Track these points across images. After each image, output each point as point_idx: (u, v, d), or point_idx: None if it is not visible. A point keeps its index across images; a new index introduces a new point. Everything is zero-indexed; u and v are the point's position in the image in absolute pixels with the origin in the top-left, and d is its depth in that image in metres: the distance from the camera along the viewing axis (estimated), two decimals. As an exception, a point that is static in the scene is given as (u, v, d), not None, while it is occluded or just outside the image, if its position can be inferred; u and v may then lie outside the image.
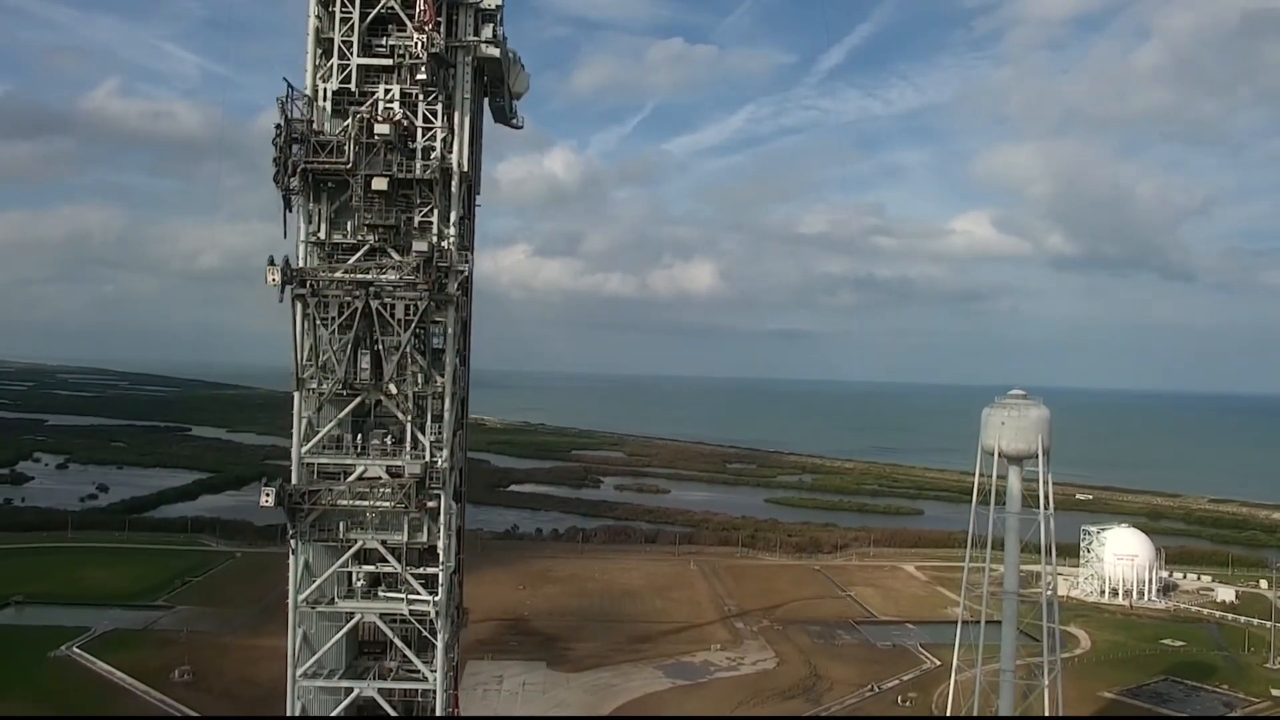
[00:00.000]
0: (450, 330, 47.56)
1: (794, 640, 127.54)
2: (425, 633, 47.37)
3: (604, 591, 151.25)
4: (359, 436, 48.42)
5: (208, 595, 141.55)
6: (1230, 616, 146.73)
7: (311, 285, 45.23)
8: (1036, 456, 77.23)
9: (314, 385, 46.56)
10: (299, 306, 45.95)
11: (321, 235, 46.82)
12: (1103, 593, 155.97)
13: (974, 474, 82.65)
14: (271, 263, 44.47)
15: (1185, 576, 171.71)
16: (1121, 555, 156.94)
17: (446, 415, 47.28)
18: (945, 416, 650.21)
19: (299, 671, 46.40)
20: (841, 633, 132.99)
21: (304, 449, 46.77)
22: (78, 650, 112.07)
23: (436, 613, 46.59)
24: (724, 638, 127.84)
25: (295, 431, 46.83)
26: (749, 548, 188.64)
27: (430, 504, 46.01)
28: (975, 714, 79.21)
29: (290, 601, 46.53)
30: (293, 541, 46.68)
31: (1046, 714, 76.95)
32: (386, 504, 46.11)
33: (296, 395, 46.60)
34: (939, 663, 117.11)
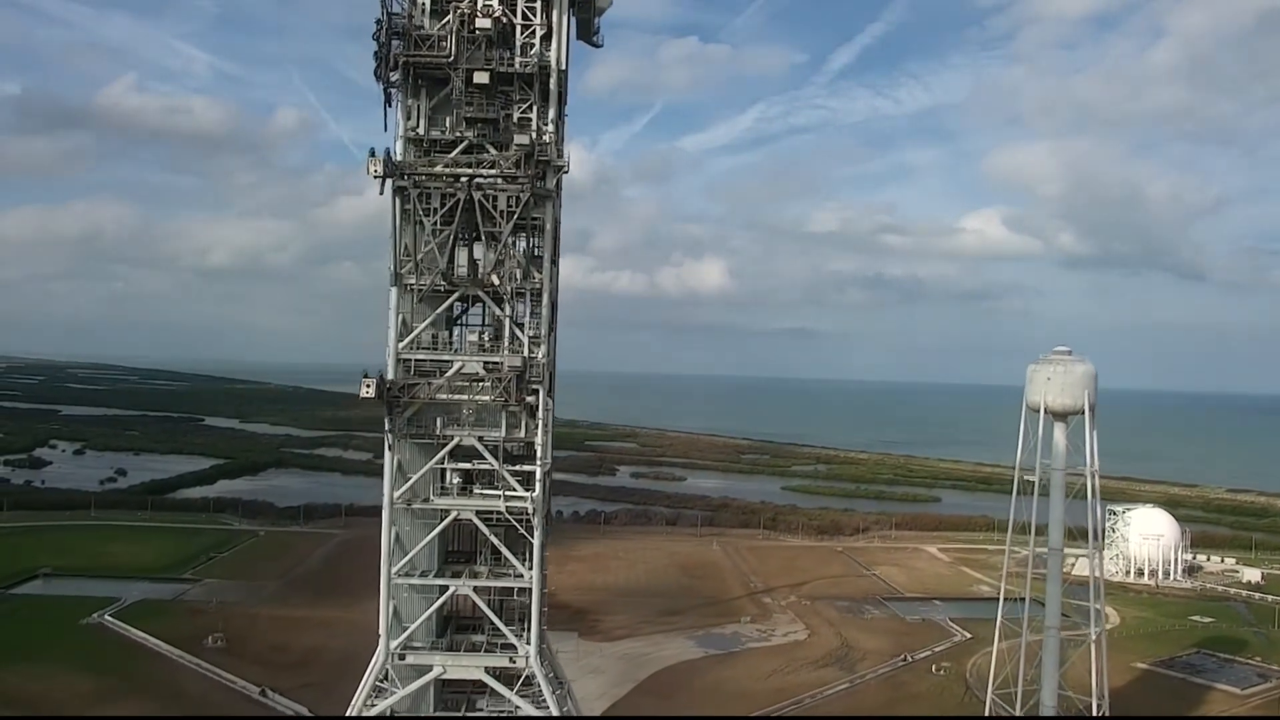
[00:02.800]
0: (548, 226, 47.64)
1: (822, 614, 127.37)
2: (521, 530, 47.42)
3: (628, 569, 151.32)
4: (452, 335, 48.67)
5: (234, 570, 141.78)
6: (1257, 595, 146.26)
7: (413, 178, 45.32)
8: (1083, 413, 76.79)
9: (411, 281, 46.59)
10: (398, 201, 45.96)
11: (420, 131, 46.83)
12: (1128, 573, 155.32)
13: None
14: (372, 155, 44.49)
15: (1209, 559, 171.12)
16: (1147, 535, 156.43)
17: (544, 310, 47.31)
18: (956, 414, 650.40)
19: (394, 570, 46.49)
20: (870, 608, 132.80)
21: (401, 344, 46.74)
22: (109, 618, 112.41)
23: (533, 510, 46.60)
24: (753, 611, 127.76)
25: (391, 328, 46.86)
26: (770, 530, 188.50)
27: (529, 399, 46.13)
28: (1020, 676, 78.46)
29: (385, 499, 46.53)
30: (388, 438, 46.71)
31: (1093, 673, 76.37)
32: (486, 398, 46.19)
33: (393, 291, 46.68)
34: (970, 635, 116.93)
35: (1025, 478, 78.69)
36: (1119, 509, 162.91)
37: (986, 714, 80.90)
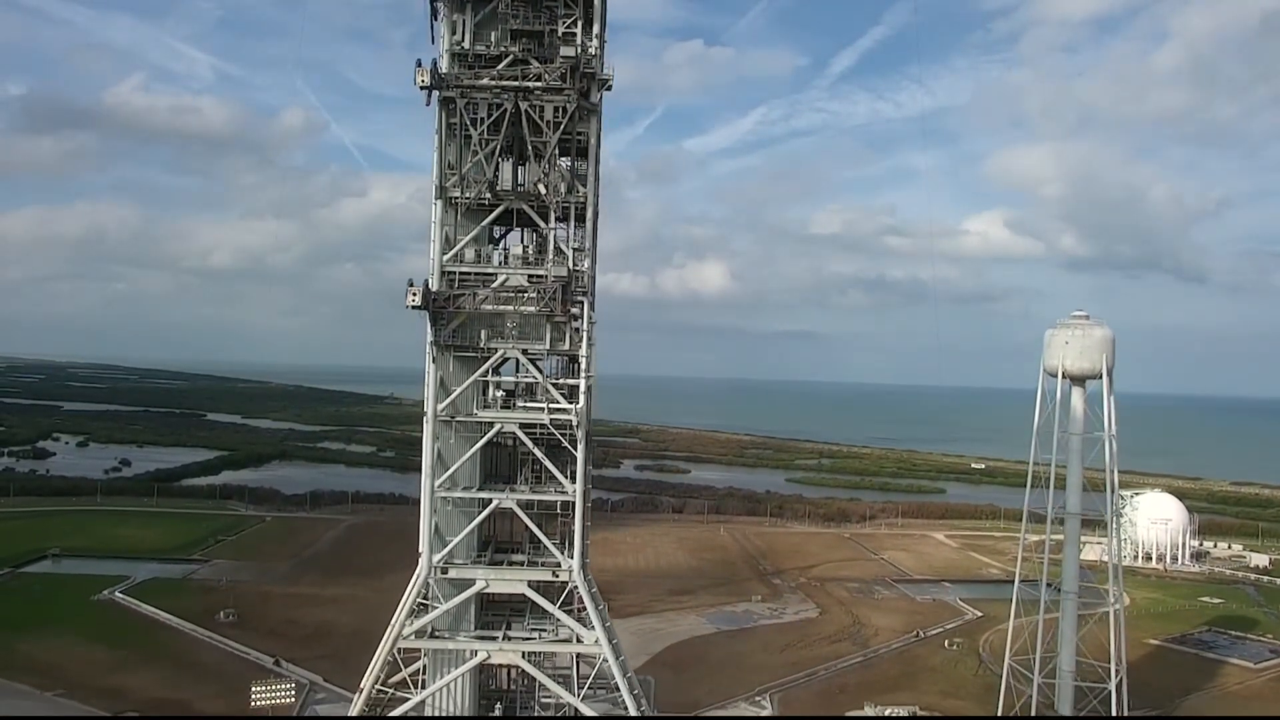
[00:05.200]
0: (592, 141, 47.79)
1: (833, 594, 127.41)
2: (565, 444, 47.43)
3: (637, 552, 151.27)
4: (494, 251, 48.79)
5: (242, 551, 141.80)
6: (1266, 579, 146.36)
7: (460, 89, 45.47)
8: (1100, 377, 76.75)
9: (455, 194, 46.64)
10: (444, 114, 46.09)
11: (465, 45, 47.13)
12: (1135, 557, 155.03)
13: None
14: (419, 65, 44.82)
15: (1216, 545, 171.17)
16: (1155, 519, 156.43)
17: (588, 224, 47.44)
18: (958, 414, 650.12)
19: (436, 483, 46.40)
20: (880, 588, 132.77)
21: (445, 258, 46.79)
22: (120, 594, 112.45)
23: (577, 422, 46.65)
24: (763, 591, 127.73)
25: (434, 241, 46.94)
26: (777, 517, 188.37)
27: (574, 309, 46.22)
28: (1040, 641, 78.16)
29: (428, 413, 46.50)
30: (432, 350, 46.70)
31: (1111, 637, 76.23)
32: (531, 308, 46.25)
33: (436, 205, 46.83)
34: (981, 614, 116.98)
35: (1041, 467, 78.49)
36: (1127, 494, 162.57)
37: (1004, 682, 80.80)
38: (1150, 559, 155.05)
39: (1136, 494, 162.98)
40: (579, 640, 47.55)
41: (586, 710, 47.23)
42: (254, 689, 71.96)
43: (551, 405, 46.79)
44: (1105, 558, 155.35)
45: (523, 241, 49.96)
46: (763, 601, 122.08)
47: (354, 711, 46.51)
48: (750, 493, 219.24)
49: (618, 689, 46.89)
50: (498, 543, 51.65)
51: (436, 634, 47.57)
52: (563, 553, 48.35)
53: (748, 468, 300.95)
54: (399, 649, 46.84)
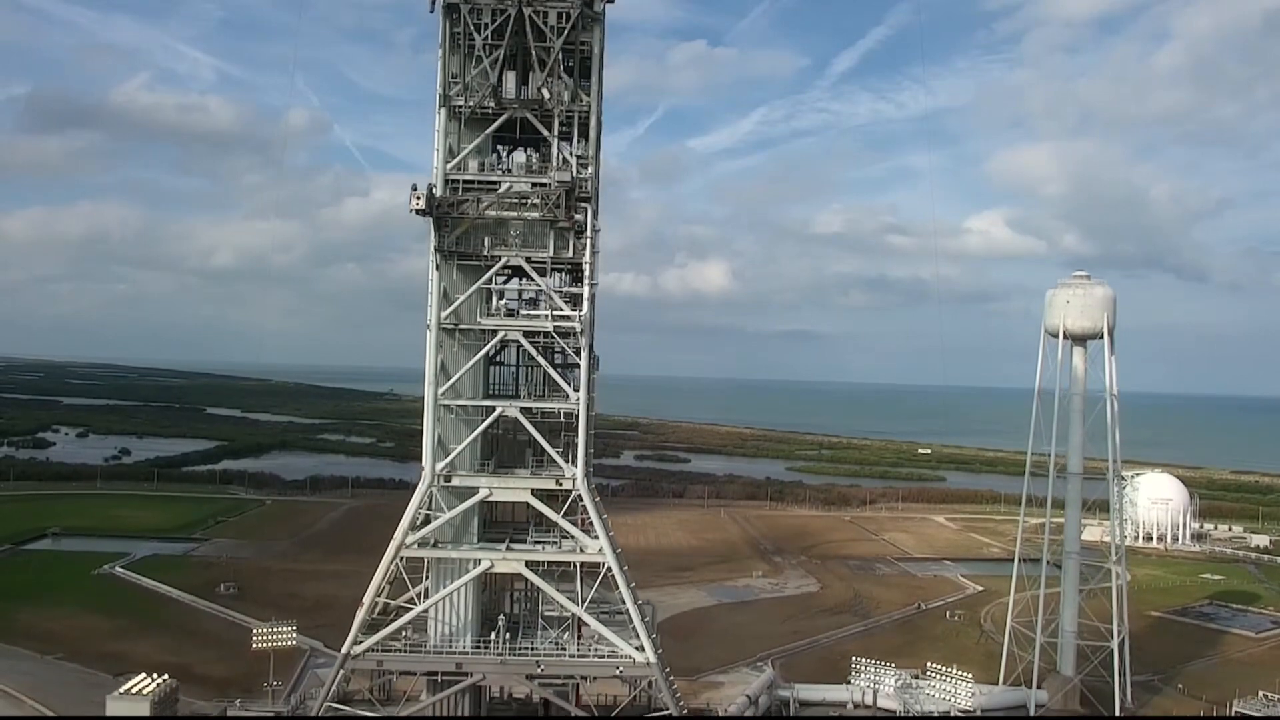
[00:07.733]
0: (596, 50, 47.66)
1: (834, 571, 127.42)
2: (570, 353, 47.31)
3: (637, 534, 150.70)
4: (498, 162, 48.73)
5: (243, 531, 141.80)
6: (1267, 558, 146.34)
7: None
8: (1101, 336, 76.75)
9: (459, 103, 46.53)
10: (448, 23, 46.03)
11: None
12: (1136, 537, 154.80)
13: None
14: None
15: (1216, 527, 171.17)
16: (1156, 500, 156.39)
17: (592, 132, 47.31)
18: (958, 412, 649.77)
19: (439, 391, 46.25)
20: (881, 566, 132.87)
21: (448, 166, 46.63)
22: (121, 569, 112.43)
23: (580, 330, 46.49)
24: (764, 567, 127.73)
25: (437, 150, 46.87)
26: (778, 501, 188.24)
27: (577, 216, 46.05)
28: (1041, 606, 78.08)
29: (431, 321, 46.40)
30: (435, 257, 46.60)
31: (1113, 597, 76.22)
32: (535, 214, 46.06)
33: (440, 114, 46.79)
34: (981, 588, 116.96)
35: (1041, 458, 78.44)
36: (1127, 475, 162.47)
37: (1005, 646, 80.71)
38: (1151, 539, 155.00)
39: (1137, 474, 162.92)
40: (583, 550, 47.54)
41: (591, 622, 47.18)
42: (254, 632, 72.20)
43: (555, 313, 46.70)
44: (1105, 537, 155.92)
45: (526, 153, 49.96)
46: (764, 577, 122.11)
47: (357, 623, 46.34)
48: (751, 479, 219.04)
49: (621, 601, 46.84)
50: (500, 459, 51.68)
51: (440, 544, 47.53)
52: (567, 461, 48.31)
53: (748, 458, 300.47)
54: (403, 559, 46.75)
